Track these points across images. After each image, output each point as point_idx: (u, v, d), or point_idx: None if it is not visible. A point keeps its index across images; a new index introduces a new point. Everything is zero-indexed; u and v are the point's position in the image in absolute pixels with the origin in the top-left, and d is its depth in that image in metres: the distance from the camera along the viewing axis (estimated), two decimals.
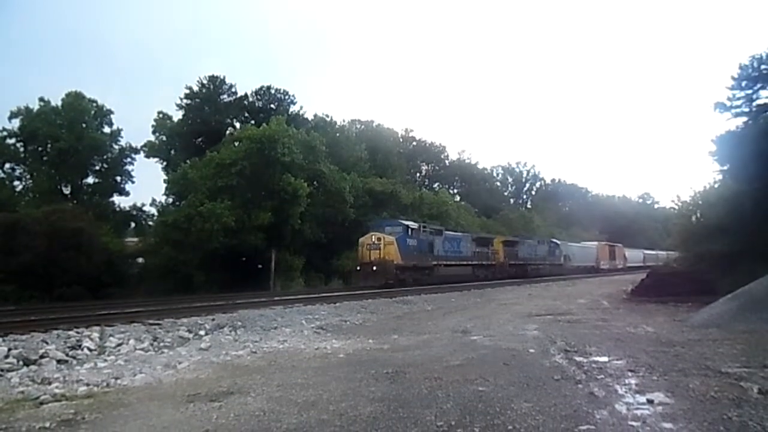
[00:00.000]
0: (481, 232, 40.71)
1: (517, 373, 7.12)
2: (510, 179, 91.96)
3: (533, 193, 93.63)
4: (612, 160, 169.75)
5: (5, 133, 37.59)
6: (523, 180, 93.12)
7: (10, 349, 8.65)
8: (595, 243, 58.51)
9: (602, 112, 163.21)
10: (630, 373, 7.17)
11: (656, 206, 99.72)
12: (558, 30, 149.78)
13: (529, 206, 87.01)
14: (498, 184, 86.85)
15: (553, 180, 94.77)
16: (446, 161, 71.64)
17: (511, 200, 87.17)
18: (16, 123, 38.17)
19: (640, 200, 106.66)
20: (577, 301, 20.06)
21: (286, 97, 51.72)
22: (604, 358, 8.24)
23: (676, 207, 27.49)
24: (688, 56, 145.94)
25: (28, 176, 37.70)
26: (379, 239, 26.36)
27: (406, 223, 28.91)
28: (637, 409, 5.53)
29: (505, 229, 48.75)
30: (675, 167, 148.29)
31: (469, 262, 33.35)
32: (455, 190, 69.66)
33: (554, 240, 49.29)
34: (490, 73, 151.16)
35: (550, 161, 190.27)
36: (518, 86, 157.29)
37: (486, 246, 36.42)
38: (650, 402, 5.72)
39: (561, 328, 12.04)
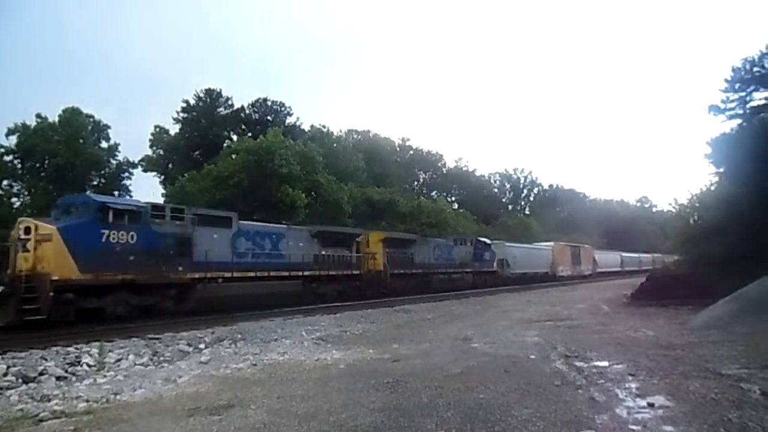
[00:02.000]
0: (343, 228, 29.46)
1: (518, 380, 7.12)
2: (508, 185, 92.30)
3: (531, 199, 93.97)
4: (609, 164, 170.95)
5: (2, 150, 37.70)
6: (521, 186, 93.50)
7: (9, 367, 8.60)
8: (551, 243, 47.91)
9: (599, 116, 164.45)
10: (630, 377, 7.18)
11: (654, 209, 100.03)
12: (554, 35, 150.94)
13: (527, 212, 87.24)
14: (496, 190, 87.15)
15: (551, 185, 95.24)
16: (444, 169, 71.97)
17: (510, 207, 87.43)
18: (13, 139, 38.31)
19: (638, 204, 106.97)
20: (577, 306, 20.05)
21: (283, 108, 52.13)
22: (605, 363, 8.25)
23: (674, 210, 27.53)
24: (683, 59, 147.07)
25: (26, 192, 37.76)
26: (29, 231, 13.60)
27: (102, 199, 16.02)
28: (638, 412, 5.54)
29: (504, 235, 48.51)
30: (672, 170, 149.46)
31: (298, 273, 20.57)
32: (453, 198, 69.89)
33: (483, 239, 36.94)
34: (486, 80, 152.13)
35: (548, 167, 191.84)
36: (514, 92, 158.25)
37: (345, 246, 23.93)
38: (651, 405, 5.73)
39: (561, 333, 12.05)
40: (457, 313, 18.96)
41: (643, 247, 70.97)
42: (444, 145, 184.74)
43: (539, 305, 20.94)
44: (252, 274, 18.51)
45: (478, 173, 78.34)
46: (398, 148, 65.97)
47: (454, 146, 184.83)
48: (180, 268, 16.15)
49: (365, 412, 5.71)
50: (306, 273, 20.90)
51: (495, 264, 36.25)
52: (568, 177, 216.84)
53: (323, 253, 22.10)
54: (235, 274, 17.87)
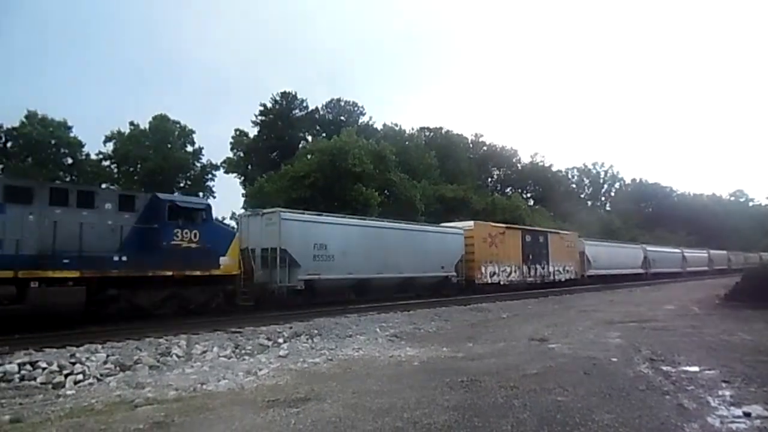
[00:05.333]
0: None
1: (599, 383, 6.83)
2: (586, 181, 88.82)
3: (612, 194, 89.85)
4: (699, 155, 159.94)
5: (101, 156, 40.82)
6: (601, 181, 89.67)
7: (108, 356, 9.33)
8: (464, 224, 27.30)
9: (686, 104, 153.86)
10: (724, 384, 6.71)
11: (751, 204, 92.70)
12: (635, 24, 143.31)
13: (608, 208, 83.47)
14: (574, 186, 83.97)
15: (633, 180, 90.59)
16: (518, 165, 70.23)
17: (589, 203, 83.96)
18: (110, 146, 41.42)
19: (732, 198, 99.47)
20: (663, 307, 18.98)
21: (356, 108, 52.96)
22: (695, 368, 7.76)
23: None
24: None
25: None
26: None
27: None
28: (732, 422, 5.17)
29: (582, 232, 46.42)
30: None
31: None
32: (529, 194, 68.07)
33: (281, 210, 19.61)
34: (563, 72, 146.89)
35: (630, 160, 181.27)
36: (593, 83, 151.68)
37: None
38: (747, 415, 5.33)
39: (646, 335, 11.45)
40: (534, 312, 18.47)
41: (739, 245, 66.02)
42: (519, 140, 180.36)
43: (622, 305, 20.01)
44: None
45: (554, 168, 75.79)
46: (471, 145, 65.06)
47: (530, 141, 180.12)
48: None
49: (439, 410, 5.69)
50: None
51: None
52: (652, 170, 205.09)
53: None
54: None
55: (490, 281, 26.53)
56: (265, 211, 19.54)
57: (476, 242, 25.99)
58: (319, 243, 19.13)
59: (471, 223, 27.28)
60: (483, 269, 26.25)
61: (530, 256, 29.93)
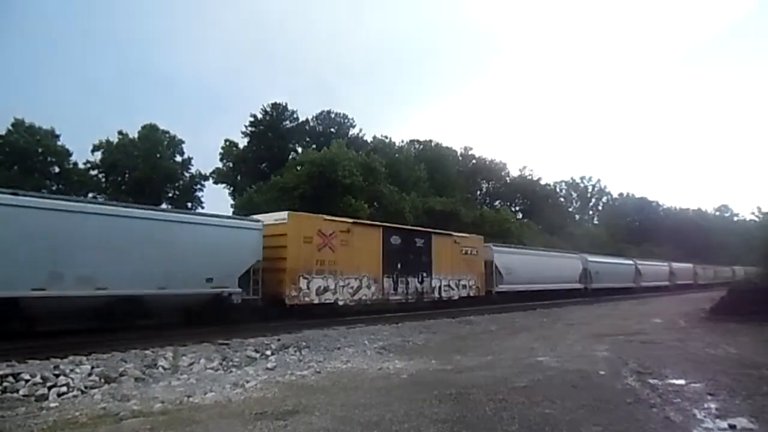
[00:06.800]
0: None
1: (586, 396, 6.87)
2: (574, 194, 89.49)
3: (599, 208, 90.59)
4: (685, 170, 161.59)
5: (89, 165, 40.52)
6: (589, 195, 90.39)
7: (93, 368, 9.20)
8: (265, 218, 18.22)
9: (673, 120, 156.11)
10: (710, 397, 6.78)
11: (736, 219, 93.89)
12: (624, 40, 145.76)
13: (595, 222, 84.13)
14: (562, 200, 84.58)
15: (620, 194, 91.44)
16: (507, 178, 70.61)
17: (576, 216, 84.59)
18: (98, 155, 41.14)
19: (717, 213, 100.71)
20: (650, 320, 19.15)
21: (346, 120, 53.11)
22: (681, 381, 7.84)
23: (758, 219, 25.75)
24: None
25: None
26: None
27: None
28: None
29: (568, 246, 46.55)
30: (755, 176, 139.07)
31: None
32: (517, 208, 68.46)
33: None
34: (551, 87, 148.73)
35: (617, 174, 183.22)
36: (581, 99, 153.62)
37: None
38: (732, 428, 5.40)
39: (633, 348, 11.54)
40: (522, 325, 18.54)
41: (725, 260, 66.62)
42: (508, 153, 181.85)
43: (609, 318, 20.19)
44: None
45: (543, 182, 76.34)
46: (460, 158, 65.36)
47: (519, 155, 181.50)
48: None
49: (428, 423, 5.68)
50: None
51: None
52: (639, 185, 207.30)
53: None
54: None
55: (318, 301, 18.36)
56: None
57: (291, 243, 17.79)
58: None
59: (283, 214, 18.79)
60: (304, 284, 17.91)
61: (398, 265, 21.77)
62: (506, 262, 28.83)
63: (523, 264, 30.06)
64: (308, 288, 18.09)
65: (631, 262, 45.42)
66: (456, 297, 24.82)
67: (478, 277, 26.55)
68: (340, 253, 19.31)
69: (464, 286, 25.53)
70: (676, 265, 53.27)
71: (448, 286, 24.55)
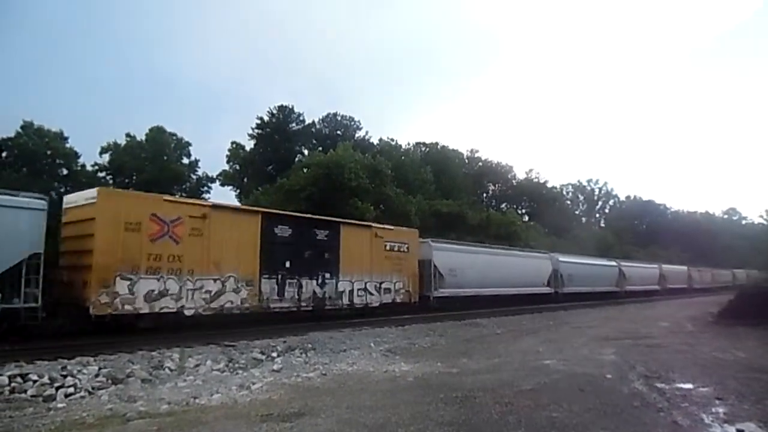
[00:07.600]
0: None
1: (593, 399, 6.83)
2: (581, 197, 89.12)
3: (606, 211, 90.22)
4: (693, 173, 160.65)
5: (97, 167, 40.81)
6: (595, 198, 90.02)
7: (100, 369, 9.25)
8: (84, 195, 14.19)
9: (680, 121, 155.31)
10: (718, 401, 6.73)
11: (744, 222, 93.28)
12: (631, 43, 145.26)
13: (602, 225, 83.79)
14: (569, 202, 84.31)
15: (627, 197, 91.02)
16: (513, 181, 70.48)
17: (583, 219, 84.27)
18: (106, 157, 41.43)
19: (726, 216, 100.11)
20: (658, 324, 19.04)
21: (352, 122, 53.18)
22: (689, 385, 7.78)
23: (766, 222, 25.57)
24: None
25: None
26: None
27: None
28: None
29: (576, 249, 46.17)
30: (765, 178, 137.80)
31: None
32: (524, 210, 68.31)
33: None
34: (558, 89, 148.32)
35: (624, 177, 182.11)
36: (589, 101, 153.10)
37: None
38: None
39: (640, 352, 11.47)
40: (528, 328, 18.47)
41: (732, 263, 66.01)
42: (514, 156, 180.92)
43: (616, 322, 20.09)
44: None
45: (549, 185, 76.12)
46: (467, 160, 65.38)
47: (525, 157, 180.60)
48: None
49: (434, 426, 5.67)
50: None
51: None
52: (646, 188, 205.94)
53: None
54: None
55: (148, 309, 13.50)
56: None
57: (102, 230, 12.92)
58: None
59: (92, 191, 13.88)
60: (123, 286, 13.00)
61: (286, 263, 17.01)
62: (449, 262, 24.04)
63: (472, 264, 25.37)
64: (131, 292, 13.12)
65: (614, 263, 41.15)
66: (376, 304, 20.16)
67: (409, 279, 21.77)
68: (188, 246, 14.46)
69: (388, 291, 20.79)
70: (667, 267, 49.21)
71: (364, 290, 19.76)
